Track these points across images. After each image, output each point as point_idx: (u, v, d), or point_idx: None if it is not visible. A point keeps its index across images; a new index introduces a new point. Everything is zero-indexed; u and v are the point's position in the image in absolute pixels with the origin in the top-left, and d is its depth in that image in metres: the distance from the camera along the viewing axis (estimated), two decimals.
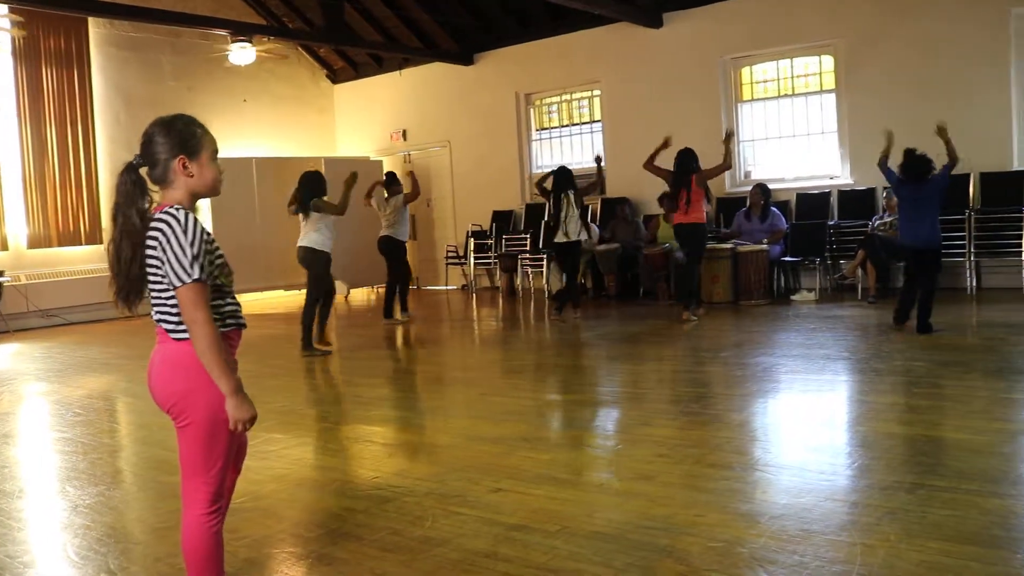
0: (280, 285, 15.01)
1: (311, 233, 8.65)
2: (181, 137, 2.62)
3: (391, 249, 10.76)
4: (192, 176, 2.62)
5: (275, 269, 14.62)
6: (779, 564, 3.08)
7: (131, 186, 2.60)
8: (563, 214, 9.81)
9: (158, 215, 2.56)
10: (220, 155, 2.73)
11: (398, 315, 10.91)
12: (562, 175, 9.95)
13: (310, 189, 8.70)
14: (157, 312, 2.62)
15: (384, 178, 11.09)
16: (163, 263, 2.51)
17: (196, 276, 2.48)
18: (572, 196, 9.84)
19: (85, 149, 13.22)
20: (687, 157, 9.56)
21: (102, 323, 12.20)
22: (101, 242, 13.21)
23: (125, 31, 13.77)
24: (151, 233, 2.55)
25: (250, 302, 14.26)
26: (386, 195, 10.82)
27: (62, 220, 12.91)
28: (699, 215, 9.52)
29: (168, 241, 2.50)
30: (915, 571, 2.94)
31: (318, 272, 8.73)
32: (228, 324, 2.66)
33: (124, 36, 13.83)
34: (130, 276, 2.63)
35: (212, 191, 2.70)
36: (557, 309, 10.09)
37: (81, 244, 13.09)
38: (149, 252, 2.56)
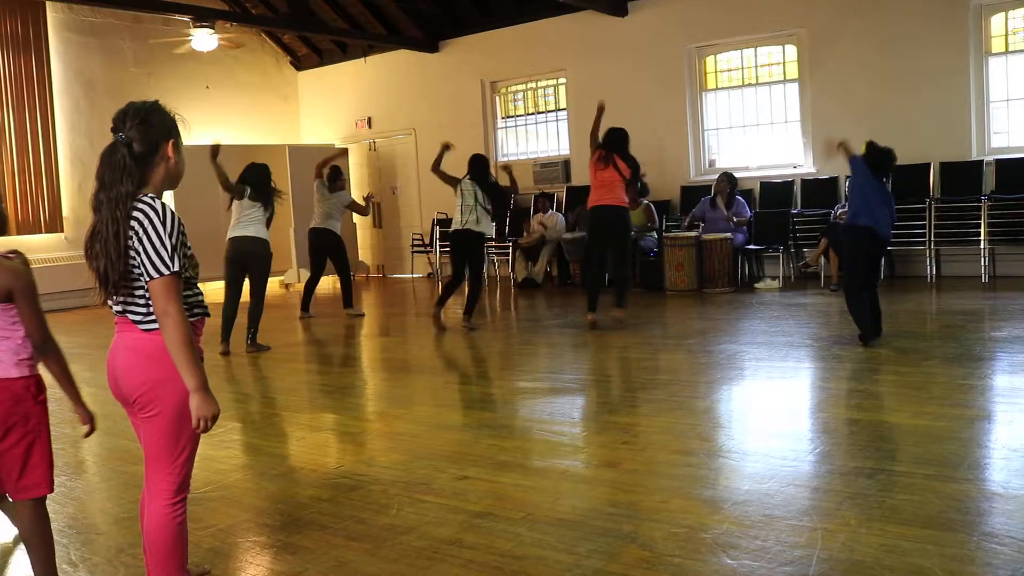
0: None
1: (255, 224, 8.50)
2: (171, 120, 2.63)
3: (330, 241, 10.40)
4: (174, 162, 2.61)
5: None
6: (741, 549, 3.11)
7: (130, 161, 2.51)
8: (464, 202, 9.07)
9: (134, 203, 2.52)
10: (185, 141, 2.73)
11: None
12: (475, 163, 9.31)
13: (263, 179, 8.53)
14: (123, 302, 2.58)
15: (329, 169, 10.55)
16: (139, 253, 2.48)
17: (174, 268, 2.46)
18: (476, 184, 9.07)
19: (44, 136, 13.01)
20: (619, 134, 8.63)
21: (63, 312, 12.04)
22: (61, 230, 13.05)
23: (84, 16, 13.55)
24: (130, 224, 2.50)
25: (213, 291, 14.12)
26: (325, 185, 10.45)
27: (21, 207, 12.73)
28: (621, 197, 8.43)
29: (146, 231, 2.47)
30: (874, 555, 2.99)
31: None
32: (195, 313, 2.65)
33: (83, 21, 13.62)
34: (122, 268, 2.49)
35: (178, 182, 2.69)
36: (466, 314, 9.06)
37: (41, 232, 12.90)
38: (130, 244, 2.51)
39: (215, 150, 8.29)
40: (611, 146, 8.53)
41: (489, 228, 9.22)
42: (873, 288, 7.04)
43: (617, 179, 8.42)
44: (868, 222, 7.31)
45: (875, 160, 7.40)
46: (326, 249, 10.38)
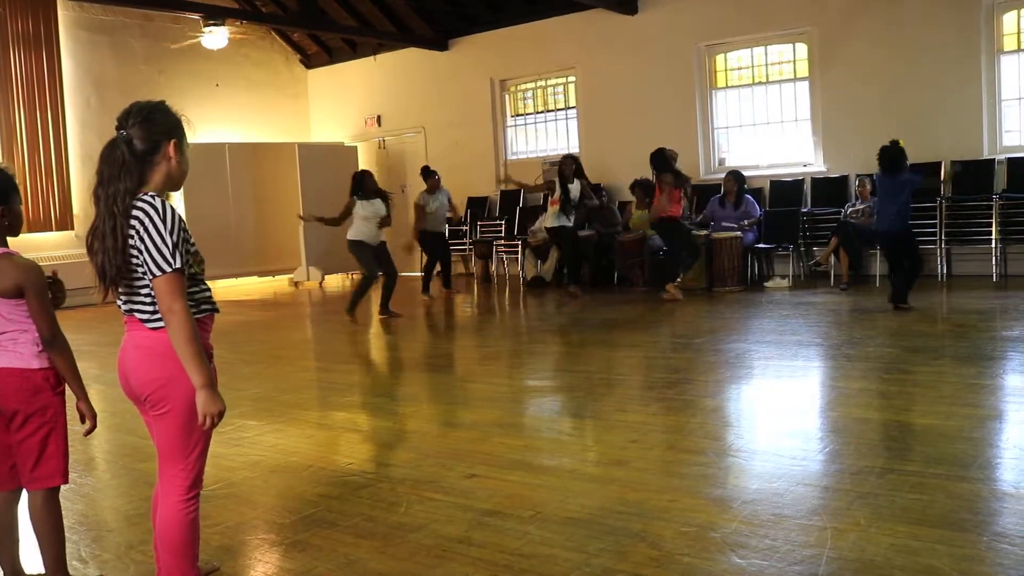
0: (253, 271, 14.94)
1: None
2: (175, 121, 2.63)
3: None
4: (176, 162, 2.61)
5: (248, 255, 14.56)
6: (751, 548, 3.10)
7: (129, 158, 2.52)
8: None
9: (135, 202, 2.52)
10: (192, 141, 2.72)
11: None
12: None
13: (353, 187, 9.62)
14: (129, 301, 2.59)
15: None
16: (141, 252, 2.48)
17: (176, 266, 2.46)
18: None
19: (55, 134, 13.06)
20: (656, 157, 10.13)
21: (73, 310, 12.07)
22: (72, 228, 13.10)
23: (95, 14, 13.60)
24: (130, 221, 2.51)
25: (223, 288, 14.17)
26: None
27: (32, 206, 12.76)
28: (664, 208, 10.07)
29: (147, 229, 2.47)
30: (884, 554, 2.98)
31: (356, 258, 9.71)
32: (203, 310, 2.65)
33: (94, 19, 13.66)
34: (119, 263, 2.51)
35: (181, 183, 2.68)
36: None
37: (52, 230, 12.95)
38: (129, 243, 2.52)
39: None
40: (654, 167, 10.11)
41: (558, 220, 10.66)
42: (912, 261, 8.13)
43: (662, 193, 9.94)
44: (881, 227, 7.78)
45: (880, 161, 7.87)
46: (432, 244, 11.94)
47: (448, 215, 11.95)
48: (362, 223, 9.53)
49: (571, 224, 10.70)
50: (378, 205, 9.62)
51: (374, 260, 9.58)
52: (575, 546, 3.22)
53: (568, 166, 10.65)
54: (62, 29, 13.24)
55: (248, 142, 15.05)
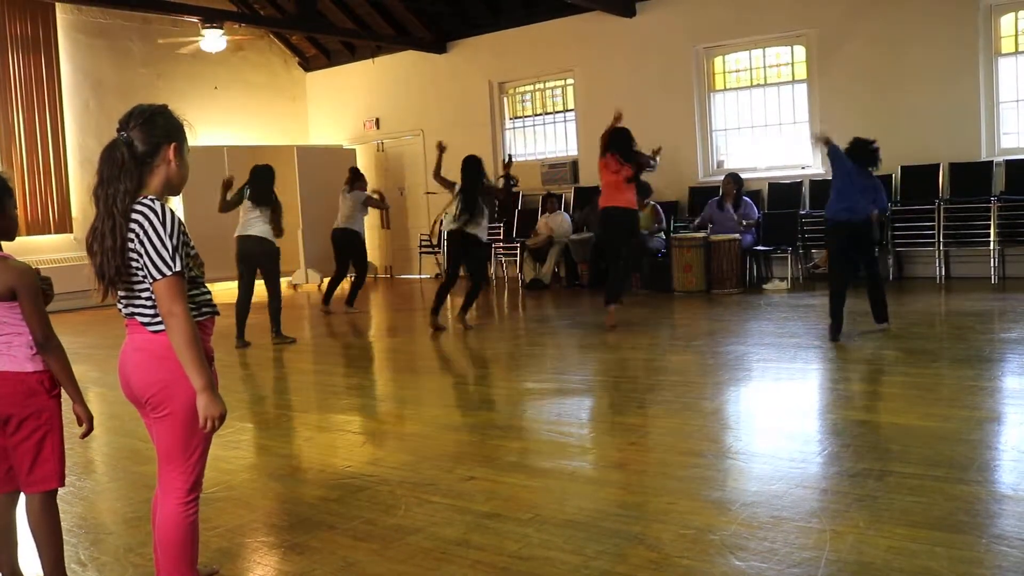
0: None
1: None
2: (176, 125, 2.63)
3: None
4: (175, 166, 2.61)
5: None
6: (750, 551, 3.10)
7: (129, 159, 2.52)
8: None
9: (134, 205, 2.53)
10: (191, 143, 2.72)
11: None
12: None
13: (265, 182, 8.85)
14: (129, 305, 2.59)
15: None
16: (141, 255, 2.48)
17: (176, 269, 2.46)
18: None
19: (53, 136, 13.05)
20: (618, 135, 8.50)
21: (72, 312, 12.08)
22: (70, 230, 13.09)
23: (93, 17, 13.60)
24: (129, 224, 2.51)
25: (222, 291, 14.15)
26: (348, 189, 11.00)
27: (30, 208, 12.77)
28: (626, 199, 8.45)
29: (147, 233, 2.47)
30: (883, 556, 2.98)
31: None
32: (204, 313, 2.65)
33: (92, 22, 13.66)
34: (118, 263, 2.51)
35: (180, 188, 2.68)
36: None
37: (50, 232, 12.95)
38: (128, 245, 2.52)
39: (227, 184, 8.95)
40: (612, 147, 8.48)
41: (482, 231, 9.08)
42: (870, 278, 7.20)
43: (619, 180, 8.39)
44: (844, 216, 7.19)
45: (854, 152, 7.38)
46: (344, 247, 10.91)
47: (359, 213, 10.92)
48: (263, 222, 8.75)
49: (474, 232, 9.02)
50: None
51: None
52: (574, 548, 3.22)
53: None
54: (60, 32, 13.24)
55: (246, 145, 15.04)
